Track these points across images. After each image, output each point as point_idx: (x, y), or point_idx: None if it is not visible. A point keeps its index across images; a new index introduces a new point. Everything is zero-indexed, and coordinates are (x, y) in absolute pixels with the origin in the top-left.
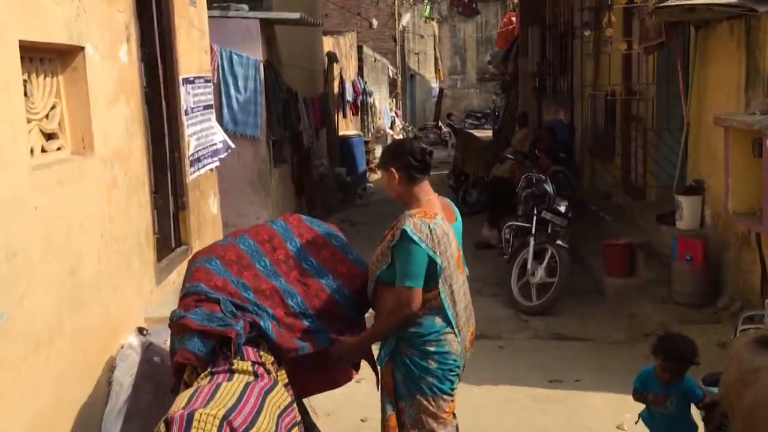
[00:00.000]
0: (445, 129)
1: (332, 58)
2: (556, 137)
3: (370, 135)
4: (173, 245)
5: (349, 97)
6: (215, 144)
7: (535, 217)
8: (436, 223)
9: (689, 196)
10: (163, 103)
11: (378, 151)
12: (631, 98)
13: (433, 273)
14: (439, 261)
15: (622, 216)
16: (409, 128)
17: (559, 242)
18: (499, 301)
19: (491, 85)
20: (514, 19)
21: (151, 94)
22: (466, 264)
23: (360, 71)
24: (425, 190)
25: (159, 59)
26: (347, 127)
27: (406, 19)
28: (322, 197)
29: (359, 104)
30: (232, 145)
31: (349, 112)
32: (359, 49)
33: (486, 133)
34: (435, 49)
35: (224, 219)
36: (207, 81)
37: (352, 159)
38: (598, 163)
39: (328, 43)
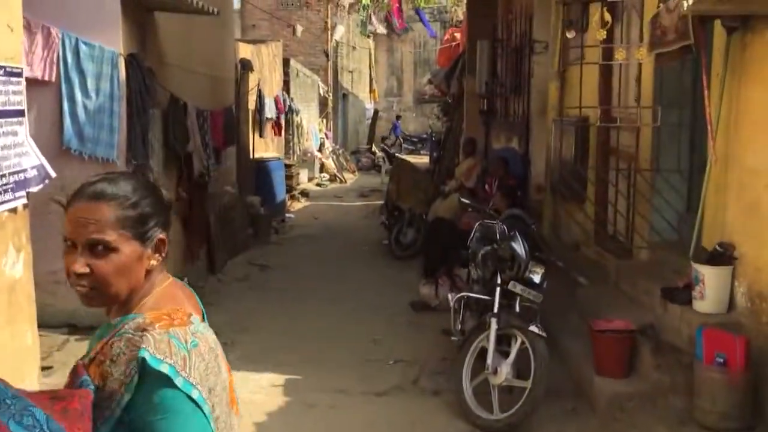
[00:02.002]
0: (379, 153)
1: (247, 66)
2: (509, 170)
3: (295, 158)
4: None
5: (269, 113)
6: (23, 171)
7: (498, 289)
8: (195, 333)
9: (715, 267)
10: None
11: (303, 175)
12: (615, 126)
13: None
14: (207, 410)
15: (603, 279)
16: (340, 151)
17: (533, 328)
18: (444, 403)
19: (429, 107)
20: (457, 35)
21: None
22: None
23: (286, 86)
24: (159, 266)
25: None
26: (267, 148)
27: (339, 32)
28: (227, 234)
29: (282, 123)
30: (52, 173)
31: (270, 132)
32: (285, 62)
33: (422, 160)
34: (370, 68)
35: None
36: (13, 74)
37: (268, 186)
38: (562, 206)
39: (245, 51)
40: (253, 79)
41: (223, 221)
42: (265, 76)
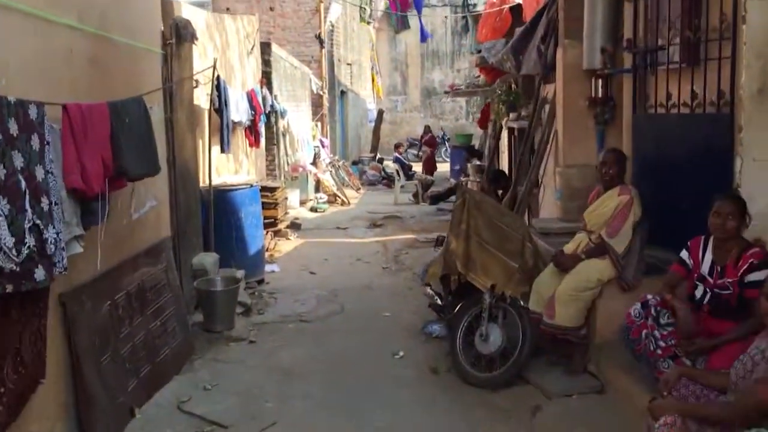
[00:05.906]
0: (392, 164)
1: (185, 32)
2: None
3: (283, 176)
4: None
5: (238, 116)
6: None
7: None
8: None
9: None
10: None
11: (292, 199)
12: None
13: None
14: None
15: None
16: (340, 163)
17: None
18: None
19: (442, 107)
20: None
21: None
22: None
23: (266, 79)
24: None
25: None
26: (237, 168)
27: (335, 13)
28: (134, 352)
29: (262, 129)
30: None
31: (241, 142)
32: (265, 47)
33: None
34: (373, 60)
35: None
36: None
37: (236, 230)
38: None
39: (193, 17)
40: (198, 54)
41: (128, 326)
42: (231, 60)
